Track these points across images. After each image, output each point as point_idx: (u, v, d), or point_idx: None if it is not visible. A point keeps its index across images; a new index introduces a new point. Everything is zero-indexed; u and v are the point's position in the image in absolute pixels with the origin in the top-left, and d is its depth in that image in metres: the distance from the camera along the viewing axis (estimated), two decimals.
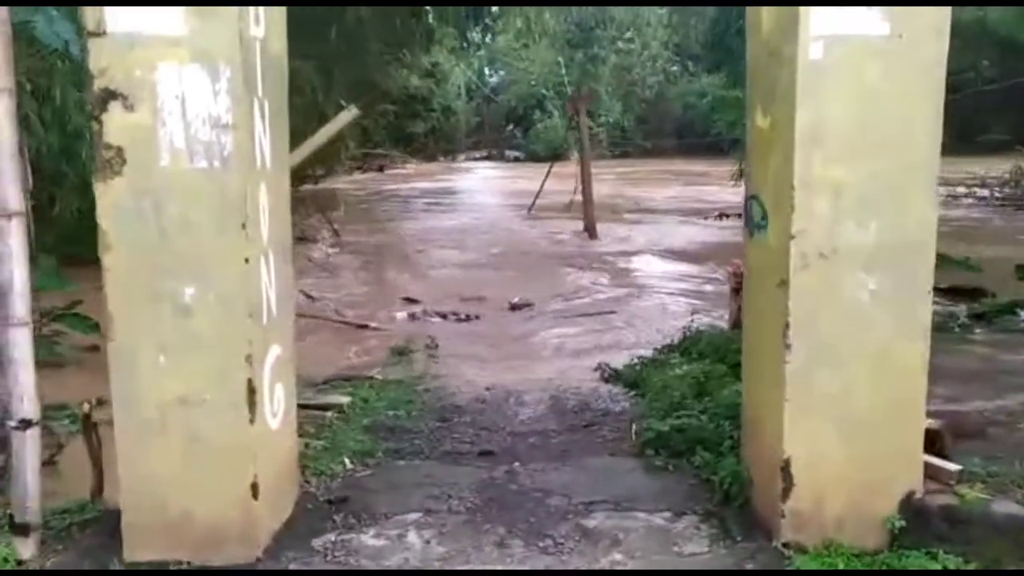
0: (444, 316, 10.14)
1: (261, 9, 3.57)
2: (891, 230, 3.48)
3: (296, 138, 4.35)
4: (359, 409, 5.79)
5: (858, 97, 3.42)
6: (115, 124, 3.37)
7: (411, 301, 10.94)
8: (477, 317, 10.21)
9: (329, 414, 5.58)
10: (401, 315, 10.21)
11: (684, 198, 24.51)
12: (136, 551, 3.60)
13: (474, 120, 51.29)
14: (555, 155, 42.91)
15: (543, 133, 43.92)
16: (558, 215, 19.25)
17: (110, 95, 3.36)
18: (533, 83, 46.22)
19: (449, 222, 20.42)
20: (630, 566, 3.61)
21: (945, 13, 3.40)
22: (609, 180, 27.75)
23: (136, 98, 3.36)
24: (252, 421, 3.56)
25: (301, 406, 5.90)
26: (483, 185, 32.18)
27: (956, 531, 3.53)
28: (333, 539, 3.89)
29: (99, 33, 3.34)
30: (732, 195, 14.94)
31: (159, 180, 3.41)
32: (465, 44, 27.88)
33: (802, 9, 3.36)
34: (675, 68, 47.64)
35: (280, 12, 3.87)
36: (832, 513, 3.61)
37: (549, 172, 17.66)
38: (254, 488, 3.60)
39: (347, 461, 4.76)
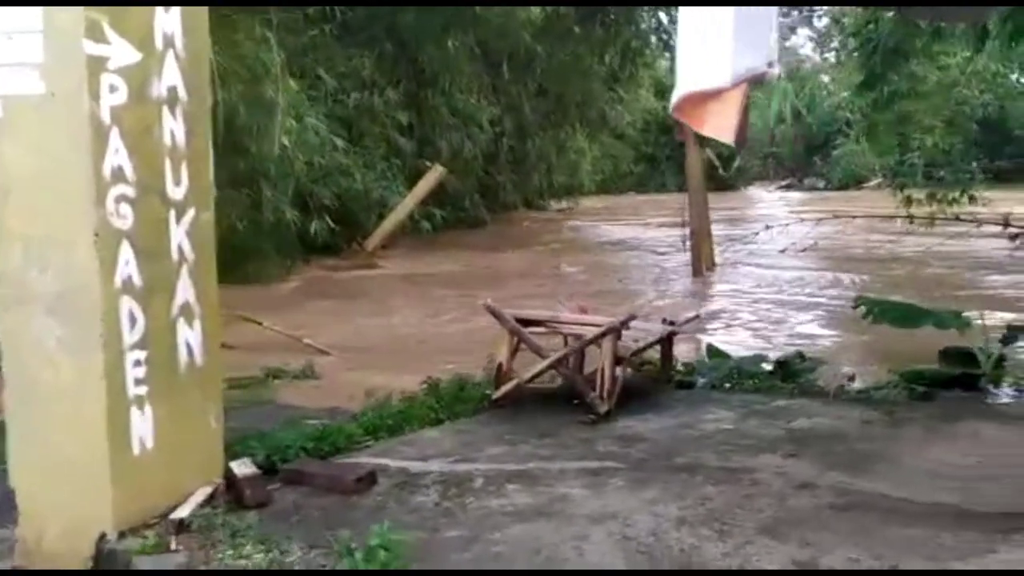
0: None
1: None
2: (66, 279, 3.64)
3: None
4: None
5: (32, 153, 3.64)
6: None
7: None
8: None
9: None
10: None
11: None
12: None
13: (795, 146, 48.74)
14: (856, 182, 40.02)
15: (842, 159, 41.00)
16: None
17: None
18: (839, 106, 43.31)
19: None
20: None
21: (82, 75, 3.52)
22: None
23: None
24: None
25: None
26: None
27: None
28: None
29: None
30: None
31: None
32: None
33: None
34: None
35: None
36: (50, 547, 3.79)
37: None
38: None
39: None
